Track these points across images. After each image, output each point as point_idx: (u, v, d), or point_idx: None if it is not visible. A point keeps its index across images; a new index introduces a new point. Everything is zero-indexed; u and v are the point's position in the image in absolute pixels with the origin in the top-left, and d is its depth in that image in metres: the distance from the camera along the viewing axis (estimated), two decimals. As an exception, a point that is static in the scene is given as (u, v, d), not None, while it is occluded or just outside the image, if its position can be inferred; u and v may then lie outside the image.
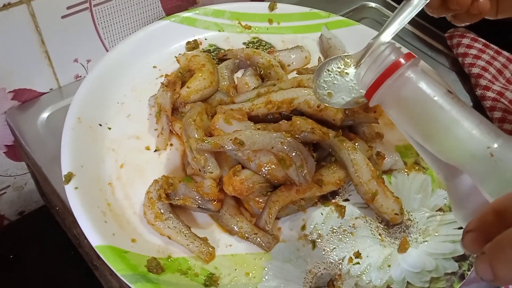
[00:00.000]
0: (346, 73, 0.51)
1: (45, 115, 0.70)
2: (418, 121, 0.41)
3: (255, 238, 0.55)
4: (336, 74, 0.51)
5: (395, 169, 0.64)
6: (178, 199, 0.56)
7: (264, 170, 0.56)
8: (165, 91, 0.65)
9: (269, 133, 0.57)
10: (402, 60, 0.41)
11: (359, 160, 0.58)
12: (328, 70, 0.51)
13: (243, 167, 0.57)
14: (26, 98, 0.71)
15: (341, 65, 0.51)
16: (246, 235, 0.56)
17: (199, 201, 0.55)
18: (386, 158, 0.63)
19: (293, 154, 0.55)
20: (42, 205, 0.88)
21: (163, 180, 0.56)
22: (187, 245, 0.53)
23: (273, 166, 0.56)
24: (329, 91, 0.50)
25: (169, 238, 0.54)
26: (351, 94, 0.49)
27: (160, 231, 0.55)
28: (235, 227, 0.56)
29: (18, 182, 0.81)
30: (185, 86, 0.66)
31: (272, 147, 0.55)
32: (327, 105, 0.50)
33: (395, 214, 0.57)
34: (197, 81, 0.66)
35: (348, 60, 0.51)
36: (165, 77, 0.67)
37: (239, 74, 0.75)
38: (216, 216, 0.57)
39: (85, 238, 0.52)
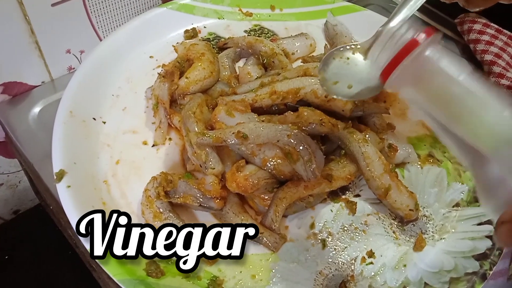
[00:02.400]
0: (355, 63, 0.48)
1: (36, 109, 0.67)
2: (441, 104, 0.38)
3: (261, 238, 0.52)
4: (344, 63, 0.48)
5: (408, 162, 0.61)
6: (178, 197, 0.53)
7: (269, 165, 0.53)
8: (162, 82, 0.62)
9: (274, 125, 0.54)
10: (421, 37, 0.37)
11: (371, 153, 0.55)
12: (335, 60, 0.48)
13: (247, 162, 0.54)
14: (16, 92, 0.69)
15: (350, 54, 0.48)
16: None
17: (201, 199, 0.52)
18: (398, 151, 0.60)
19: (301, 147, 0.51)
20: (38, 204, 0.86)
21: (162, 177, 0.54)
22: None
23: (279, 160, 0.53)
24: (338, 81, 0.47)
25: None
26: (362, 84, 0.46)
27: None
28: (240, 226, 0.53)
29: (11, 180, 0.79)
30: (184, 76, 0.64)
31: (278, 141, 0.52)
32: (335, 97, 0.47)
33: (410, 210, 0.54)
34: (196, 71, 0.64)
35: (356, 49, 0.49)
36: (162, 68, 0.65)
37: (240, 63, 0.73)
38: (219, 215, 0.55)
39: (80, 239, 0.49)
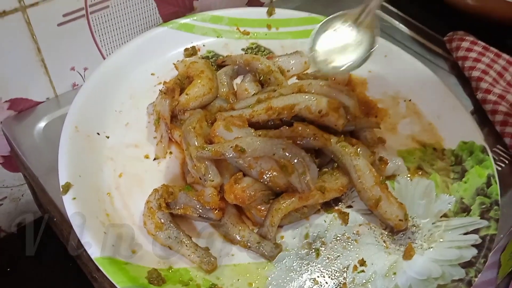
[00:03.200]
0: (343, 30, 0.49)
1: (41, 124, 0.69)
2: None
3: (257, 247, 0.54)
4: (335, 34, 0.49)
5: (398, 174, 0.64)
6: (178, 209, 0.55)
7: (265, 178, 0.55)
8: (163, 98, 0.64)
9: (270, 139, 0.56)
10: None
11: (362, 166, 0.58)
12: (325, 32, 0.49)
13: (244, 175, 0.56)
14: (22, 108, 0.70)
15: (338, 24, 0.49)
16: (249, 244, 0.55)
17: (200, 210, 0.54)
18: (389, 163, 0.63)
19: (295, 160, 0.54)
20: (40, 216, 0.87)
21: (163, 189, 0.56)
22: (188, 255, 0.53)
23: (275, 173, 0.55)
24: (329, 57, 0.48)
25: (170, 249, 0.53)
26: (355, 54, 0.47)
27: (161, 241, 0.54)
28: (237, 236, 0.55)
29: (15, 193, 0.80)
30: (184, 93, 0.66)
31: (274, 154, 0.54)
32: (328, 72, 0.48)
33: (400, 220, 0.57)
34: (196, 88, 0.66)
35: (346, 17, 0.49)
36: (163, 84, 0.67)
37: (238, 80, 0.75)
38: (217, 225, 0.57)
39: (84, 250, 0.51)
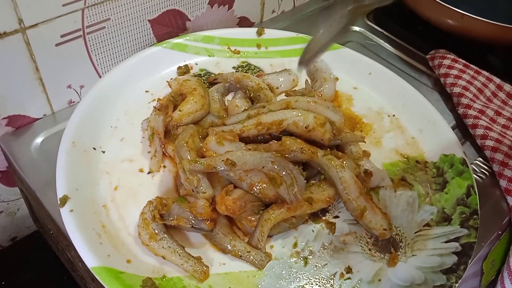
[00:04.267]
0: None
1: (38, 140, 0.70)
2: None
3: (248, 257, 0.56)
4: None
5: (383, 186, 0.66)
6: (172, 220, 0.57)
7: (255, 189, 0.58)
8: (157, 114, 0.67)
9: (260, 153, 0.58)
10: None
11: (347, 178, 0.60)
12: None
13: (235, 187, 0.58)
14: (20, 124, 0.72)
15: None
16: (240, 253, 0.57)
17: (193, 221, 0.56)
18: (373, 175, 0.65)
19: (284, 173, 0.56)
20: (35, 231, 0.88)
21: (157, 201, 0.57)
22: (182, 264, 0.54)
23: (264, 185, 0.57)
24: None
25: (164, 258, 0.55)
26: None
27: (155, 251, 0.55)
28: (228, 246, 0.57)
29: (11, 208, 0.81)
30: (177, 109, 0.68)
31: (263, 167, 0.57)
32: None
33: (384, 229, 0.59)
34: (189, 105, 0.68)
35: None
36: (157, 101, 0.69)
37: (229, 97, 0.77)
38: (209, 236, 0.58)
39: (80, 261, 0.53)
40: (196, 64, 0.81)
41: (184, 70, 0.79)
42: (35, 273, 0.85)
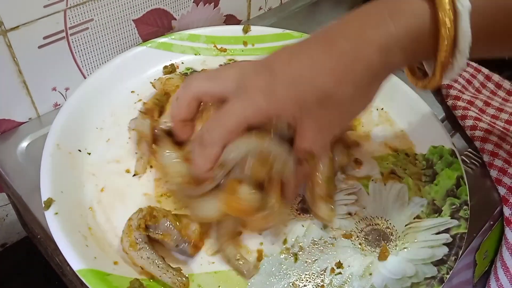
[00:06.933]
0: None
1: (24, 144, 0.70)
2: None
3: (237, 264, 0.55)
4: None
5: (372, 178, 0.66)
6: (157, 233, 0.55)
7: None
8: (143, 118, 0.65)
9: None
10: None
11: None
12: None
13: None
14: (5, 129, 0.71)
15: None
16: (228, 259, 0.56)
17: (179, 241, 0.54)
18: (363, 164, 0.65)
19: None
20: (25, 236, 0.87)
21: (148, 211, 0.55)
22: (160, 276, 0.52)
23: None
24: None
25: (142, 269, 0.53)
26: None
27: (134, 260, 0.53)
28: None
29: (-1, 214, 0.81)
30: (165, 114, 0.66)
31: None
32: None
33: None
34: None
35: None
36: (142, 105, 0.68)
37: (216, 95, 0.76)
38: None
39: (68, 264, 0.52)
40: (182, 63, 0.81)
41: (170, 69, 0.79)
42: (26, 279, 0.85)
